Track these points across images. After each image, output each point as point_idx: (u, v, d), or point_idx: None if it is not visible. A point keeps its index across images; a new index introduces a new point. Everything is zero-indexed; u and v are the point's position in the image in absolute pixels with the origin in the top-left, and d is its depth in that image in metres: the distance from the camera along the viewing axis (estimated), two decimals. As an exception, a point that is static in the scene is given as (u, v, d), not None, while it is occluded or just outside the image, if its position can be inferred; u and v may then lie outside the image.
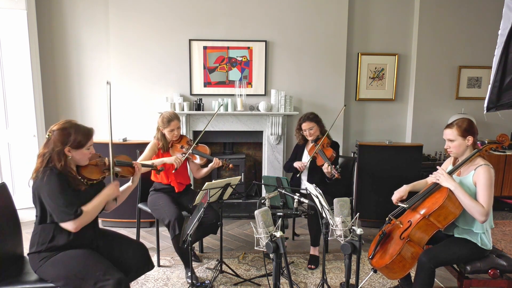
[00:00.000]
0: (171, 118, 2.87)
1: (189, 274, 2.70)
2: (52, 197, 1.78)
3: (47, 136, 1.89)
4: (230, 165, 2.99)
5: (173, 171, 2.86)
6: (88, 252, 1.89)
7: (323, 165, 3.04)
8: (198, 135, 3.75)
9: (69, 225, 1.80)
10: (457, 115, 4.52)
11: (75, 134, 1.88)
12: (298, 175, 3.22)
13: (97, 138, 2.13)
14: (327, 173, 3.02)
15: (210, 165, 2.98)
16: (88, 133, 1.94)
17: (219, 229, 2.74)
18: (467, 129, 2.16)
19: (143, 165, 2.39)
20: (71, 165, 1.91)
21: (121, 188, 2.19)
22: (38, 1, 4.04)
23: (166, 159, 2.82)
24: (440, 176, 2.14)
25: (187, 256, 2.66)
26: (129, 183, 2.23)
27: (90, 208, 1.88)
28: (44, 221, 1.85)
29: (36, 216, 1.87)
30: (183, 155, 2.89)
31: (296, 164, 3.23)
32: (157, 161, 2.79)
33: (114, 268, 1.84)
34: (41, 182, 1.80)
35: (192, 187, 3.27)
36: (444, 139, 2.25)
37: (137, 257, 2.09)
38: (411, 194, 2.38)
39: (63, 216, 1.78)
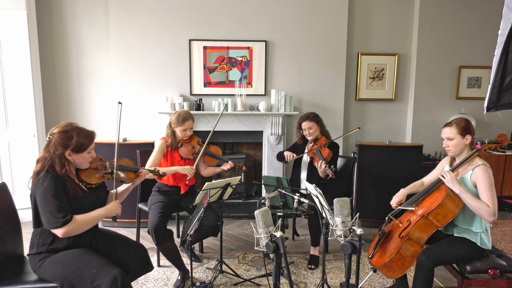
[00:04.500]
0: (187, 118, 2.82)
1: (179, 277, 2.70)
2: (44, 201, 1.76)
3: (47, 139, 1.86)
4: (243, 167, 2.98)
5: (187, 181, 2.82)
6: (85, 250, 1.89)
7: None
8: (198, 135, 3.73)
9: (57, 232, 1.78)
10: (457, 115, 4.52)
11: (77, 137, 1.84)
12: (284, 162, 3.21)
13: (98, 138, 2.12)
14: (321, 172, 3.00)
15: (222, 167, 2.96)
16: (90, 136, 1.92)
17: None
18: (466, 128, 2.17)
19: (150, 171, 2.35)
20: (71, 169, 1.89)
21: (120, 189, 2.18)
22: (38, 1, 4.04)
23: (180, 169, 2.77)
24: (447, 175, 2.13)
25: (177, 259, 2.66)
26: (129, 184, 2.21)
27: (82, 218, 1.84)
28: (39, 225, 1.84)
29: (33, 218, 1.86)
30: (194, 155, 2.88)
31: (286, 153, 3.22)
32: (170, 170, 2.74)
33: (110, 264, 1.82)
34: (37, 185, 1.79)
35: (194, 187, 3.26)
36: (442, 138, 2.25)
37: (136, 258, 2.08)
38: (409, 197, 2.38)
39: (50, 223, 1.75)
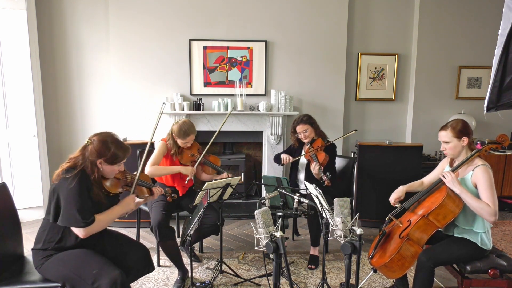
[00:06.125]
0: (189, 133, 2.78)
1: (178, 277, 2.69)
2: (72, 199, 1.78)
3: (86, 142, 1.90)
4: (241, 181, 2.97)
5: (186, 182, 2.85)
6: (87, 250, 1.89)
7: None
8: (198, 135, 3.71)
9: (78, 231, 1.81)
10: (457, 115, 4.52)
11: (114, 150, 1.89)
12: (280, 165, 3.21)
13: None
14: (315, 175, 2.99)
15: (220, 177, 2.95)
16: (126, 151, 1.96)
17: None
18: (461, 130, 2.17)
19: (165, 192, 2.42)
20: (99, 175, 1.93)
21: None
22: (38, 1, 4.04)
23: (183, 170, 2.80)
24: (448, 176, 2.13)
25: (177, 258, 2.66)
26: (141, 200, 2.23)
27: (103, 217, 1.90)
28: (56, 221, 1.85)
29: (48, 213, 1.85)
30: (193, 163, 2.90)
31: (283, 155, 3.21)
32: (174, 169, 2.80)
33: (111, 265, 1.83)
34: (64, 181, 1.80)
35: (193, 188, 3.26)
36: (439, 141, 2.26)
37: (138, 258, 2.09)
38: (408, 195, 2.38)
39: (75, 221, 1.78)
